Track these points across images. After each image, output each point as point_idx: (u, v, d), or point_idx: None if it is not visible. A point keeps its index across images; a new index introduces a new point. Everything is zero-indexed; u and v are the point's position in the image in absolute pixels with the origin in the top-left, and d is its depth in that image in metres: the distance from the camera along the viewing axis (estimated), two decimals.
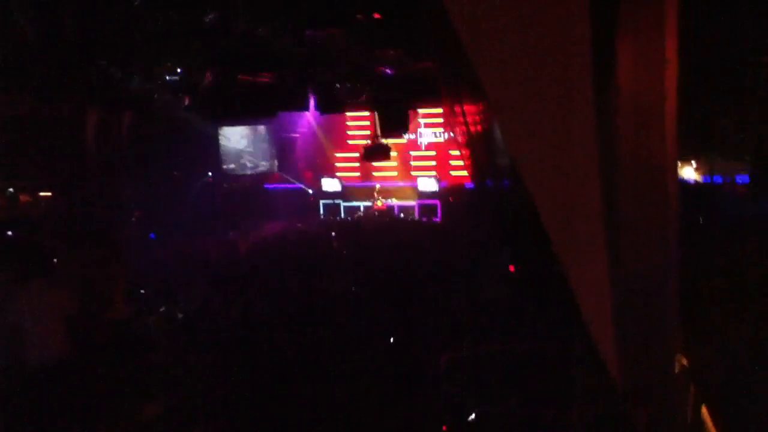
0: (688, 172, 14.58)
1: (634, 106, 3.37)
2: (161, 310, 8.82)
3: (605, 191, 3.21)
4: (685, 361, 5.22)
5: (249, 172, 18.76)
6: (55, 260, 6.15)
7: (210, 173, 18.36)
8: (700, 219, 11.65)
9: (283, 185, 18.86)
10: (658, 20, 3.25)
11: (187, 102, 12.78)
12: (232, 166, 18.76)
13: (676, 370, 4.38)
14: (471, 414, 6.02)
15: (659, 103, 3.36)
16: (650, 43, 3.28)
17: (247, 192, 18.25)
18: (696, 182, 14.60)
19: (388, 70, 11.56)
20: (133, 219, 14.38)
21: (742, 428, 5.06)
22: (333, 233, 14.69)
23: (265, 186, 18.90)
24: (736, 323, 7.28)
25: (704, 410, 5.14)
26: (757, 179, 11.24)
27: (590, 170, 3.12)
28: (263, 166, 18.82)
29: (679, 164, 11.18)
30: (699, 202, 13.36)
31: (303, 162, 19.34)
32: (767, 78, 9.24)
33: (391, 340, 7.63)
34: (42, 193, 13.50)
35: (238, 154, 18.76)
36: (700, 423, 4.97)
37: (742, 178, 14.10)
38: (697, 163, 14.53)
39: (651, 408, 3.79)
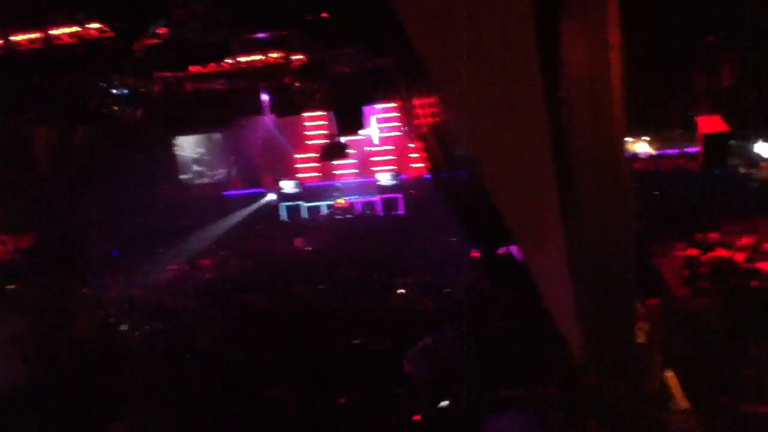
0: (642, 147, 14.92)
1: (582, 90, 3.47)
2: (125, 327, 8.72)
3: (559, 174, 3.30)
4: (648, 330, 5.39)
5: (207, 180, 18.55)
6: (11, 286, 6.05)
7: (168, 184, 18.11)
8: (655, 192, 11.96)
9: (242, 191, 18.69)
10: (601, 5, 3.36)
11: (139, 113, 12.57)
12: (189, 175, 18.54)
13: (641, 340, 4.53)
14: (443, 401, 6.09)
15: (605, 84, 3.47)
16: (594, 28, 3.38)
17: (205, 201, 18.02)
18: (649, 155, 14.94)
19: (342, 69, 11.56)
20: (92, 238, 14.09)
21: (707, 391, 5.25)
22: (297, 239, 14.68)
23: (224, 193, 18.70)
24: (696, 291, 7.54)
25: (670, 375, 5.32)
26: (706, 150, 11.59)
27: (543, 155, 3.20)
28: (221, 173, 18.62)
29: (633, 139, 11.48)
30: (654, 174, 13.72)
31: (262, 166, 19.19)
32: (712, 56, 9.56)
33: (357, 340, 7.67)
34: None
35: (195, 163, 18.55)
36: (667, 388, 5.15)
37: (691, 149, 14.46)
38: (650, 137, 14.87)
39: (617, 377, 3.91)
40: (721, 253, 8.37)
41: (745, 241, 8.47)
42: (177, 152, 18.30)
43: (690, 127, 13.43)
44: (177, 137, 18.05)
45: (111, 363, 7.38)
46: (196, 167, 18.68)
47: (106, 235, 14.45)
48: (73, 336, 8.04)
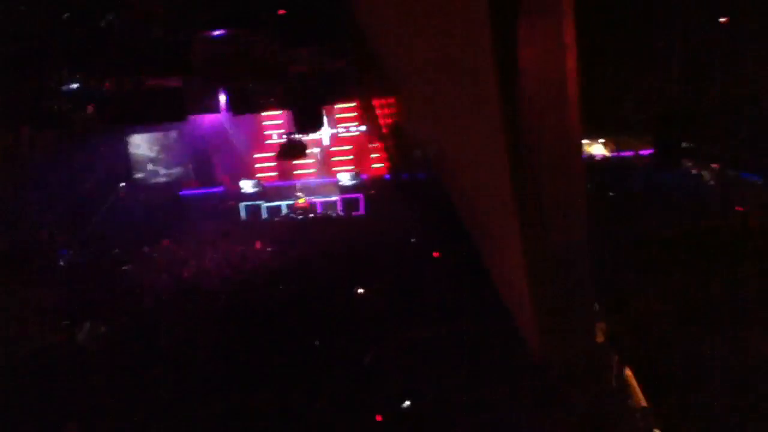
0: (598, 149, 15.16)
1: (539, 90, 3.47)
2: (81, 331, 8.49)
3: (515, 174, 3.30)
4: (606, 329, 5.45)
5: (162, 179, 18.21)
6: None
7: (122, 184, 17.70)
8: (610, 193, 12.15)
9: (199, 191, 18.39)
10: (556, 8, 3.36)
11: (90, 111, 12.23)
12: (143, 174, 18.18)
13: (599, 339, 4.57)
14: (405, 401, 6.08)
15: (561, 85, 3.48)
16: (550, 30, 3.38)
17: (160, 201, 17.67)
18: (605, 157, 15.20)
19: (301, 68, 11.47)
20: (41, 238, 13.67)
21: (665, 387, 5.33)
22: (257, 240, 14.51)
23: (181, 193, 18.37)
24: (651, 289, 7.66)
25: (628, 373, 5.39)
26: (659, 152, 11.84)
27: (500, 155, 3.20)
28: (177, 172, 18.31)
29: (589, 142, 11.66)
30: (609, 176, 13.94)
31: (220, 166, 18.91)
32: (663, 58, 9.77)
33: (317, 341, 7.61)
34: None
35: (150, 162, 18.19)
36: (625, 386, 5.21)
37: (645, 152, 14.75)
38: (605, 140, 15.13)
39: (577, 377, 3.93)
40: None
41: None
42: (131, 151, 17.93)
43: (644, 129, 13.74)
44: (131, 136, 17.69)
45: (67, 368, 7.21)
46: (151, 166, 18.31)
47: (58, 237, 14.05)
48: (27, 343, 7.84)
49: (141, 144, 17.95)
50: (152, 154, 18.14)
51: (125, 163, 17.75)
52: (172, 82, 11.88)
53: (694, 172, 13.15)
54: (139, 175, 18.08)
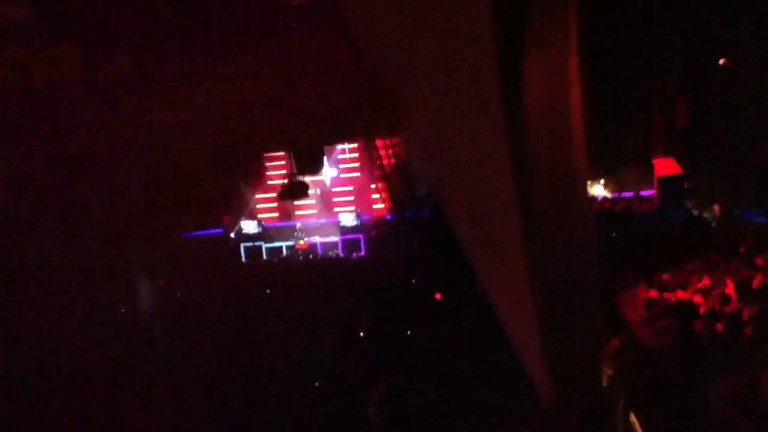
0: (598, 189, 15.20)
1: (545, 125, 3.45)
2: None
3: (522, 211, 3.25)
4: (611, 371, 5.33)
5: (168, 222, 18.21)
6: None
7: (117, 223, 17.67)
8: (613, 233, 12.10)
9: (201, 232, 18.37)
10: (561, 43, 3.37)
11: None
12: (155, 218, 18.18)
13: (604, 381, 4.46)
14: None
15: (567, 122, 3.46)
16: (555, 66, 3.38)
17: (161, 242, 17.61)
18: (605, 198, 15.22)
19: (302, 107, 11.55)
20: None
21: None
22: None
23: (183, 234, 18.34)
24: (656, 332, 7.55)
25: (632, 417, 5.25)
26: (660, 193, 11.87)
27: (506, 191, 3.16)
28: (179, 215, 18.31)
29: (590, 182, 11.67)
30: (611, 217, 13.92)
31: (221, 208, 18.93)
32: (666, 99, 9.86)
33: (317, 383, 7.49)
34: None
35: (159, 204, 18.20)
36: (630, 429, 5.07)
37: (646, 192, 14.78)
38: (606, 180, 15.18)
39: (584, 422, 3.82)
40: (680, 294, 8.43)
41: (704, 282, 8.56)
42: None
43: (645, 169, 13.80)
44: None
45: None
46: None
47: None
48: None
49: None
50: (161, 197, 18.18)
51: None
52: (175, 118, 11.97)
53: (695, 212, 13.13)
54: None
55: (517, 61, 3.28)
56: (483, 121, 3.05)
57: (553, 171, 3.47)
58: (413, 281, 11.83)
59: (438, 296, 9.61)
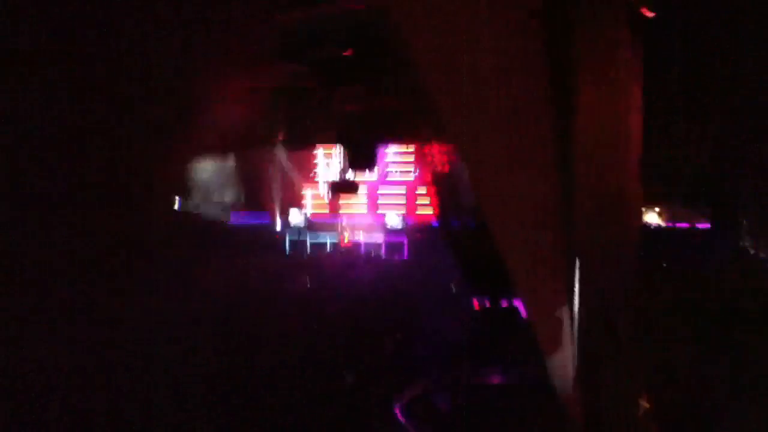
0: (653, 218, 14.82)
1: (599, 149, 3.38)
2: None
3: (568, 236, 3.20)
4: (647, 404, 5.19)
5: (214, 205, 18.54)
6: None
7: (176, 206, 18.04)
8: (663, 263, 11.78)
9: (248, 219, 18.63)
10: (622, 67, 3.29)
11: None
12: (196, 199, 18.54)
13: (640, 413, 4.34)
14: None
15: (624, 147, 3.38)
16: (615, 88, 3.30)
17: (212, 225, 17.92)
18: (659, 226, 14.83)
19: (359, 107, 11.59)
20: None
21: None
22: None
23: (231, 221, 18.63)
24: (696, 365, 7.33)
25: None
26: (717, 228, 11.48)
27: (552, 213, 3.11)
28: (228, 199, 18.63)
29: (644, 209, 11.39)
30: (663, 246, 13.55)
31: (269, 196, 19.17)
32: (725, 130, 9.52)
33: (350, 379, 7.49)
34: None
35: (203, 187, 18.55)
36: None
37: (702, 225, 14.34)
38: (660, 209, 14.79)
39: None
40: None
41: None
42: (191, 173, 18.33)
43: (703, 202, 13.37)
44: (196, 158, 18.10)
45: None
46: (204, 191, 18.66)
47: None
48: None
49: (201, 167, 18.36)
50: (205, 179, 18.51)
51: (183, 183, 18.12)
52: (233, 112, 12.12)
53: (752, 251, 12.68)
54: (192, 200, 18.43)
55: (573, 79, 3.23)
56: (534, 142, 3.01)
57: (606, 195, 3.39)
58: (453, 290, 11.76)
59: (476, 305, 9.53)
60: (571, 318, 3.23)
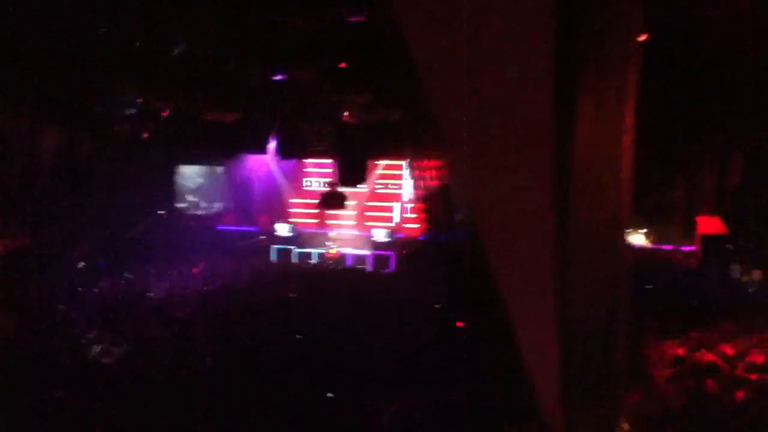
0: (638, 239, 14.92)
1: (592, 167, 3.41)
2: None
3: (558, 251, 3.21)
4: (627, 425, 5.21)
5: (201, 212, 18.54)
6: None
7: (163, 210, 17.98)
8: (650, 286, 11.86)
9: (236, 227, 18.59)
10: (620, 86, 3.33)
11: (146, 135, 12.49)
12: (185, 204, 18.51)
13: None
14: None
15: (616, 166, 3.41)
16: (611, 109, 3.34)
17: (199, 231, 17.85)
18: (644, 248, 14.93)
19: (353, 119, 11.62)
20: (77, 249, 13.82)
21: None
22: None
23: (218, 227, 18.59)
24: (678, 392, 7.37)
25: None
26: (702, 250, 11.60)
27: (545, 229, 3.13)
28: (217, 206, 18.61)
29: (630, 230, 11.48)
30: (647, 267, 13.65)
31: (258, 205, 19.16)
32: (718, 157, 9.66)
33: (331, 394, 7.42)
34: None
35: (193, 193, 18.55)
36: None
37: (687, 248, 14.47)
38: (647, 230, 14.91)
39: None
40: (708, 357, 8.23)
41: (736, 346, 8.35)
42: (178, 180, 18.34)
43: (688, 225, 13.51)
44: (180, 165, 18.11)
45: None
46: (193, 197, 18.65)
47: (92, 248, 14.20)
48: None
49: (187, 174, 18.36)
50: (196, 186, 18.51)
51: (169, 190, 18.11)
52: (228, 117, 12.13)
53: (736, 276, 12.78)
54: (181, 204, 18.41)
55: (573, 97, 3.26)
56: (531, 157, 3.03)
57: (596, 212, 3.42)
58: (437, 306, 11.73)
59: (460, 324, 9.52)
60: (560, 337, 3.24)
